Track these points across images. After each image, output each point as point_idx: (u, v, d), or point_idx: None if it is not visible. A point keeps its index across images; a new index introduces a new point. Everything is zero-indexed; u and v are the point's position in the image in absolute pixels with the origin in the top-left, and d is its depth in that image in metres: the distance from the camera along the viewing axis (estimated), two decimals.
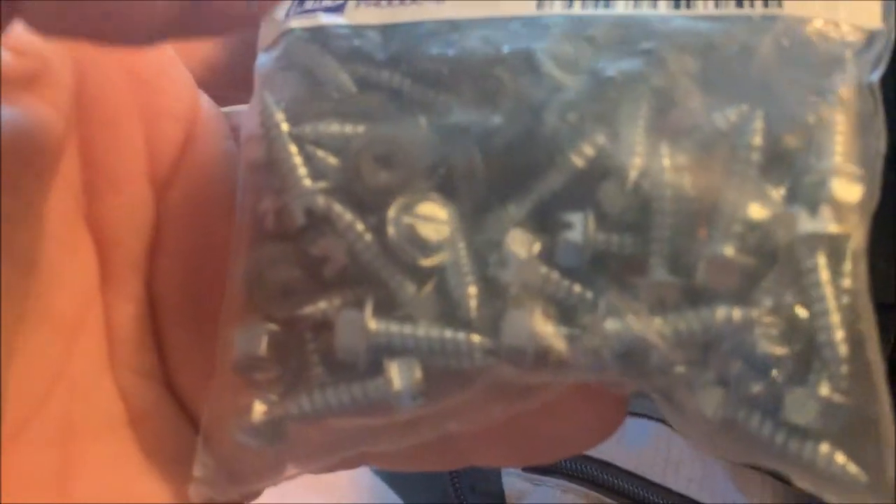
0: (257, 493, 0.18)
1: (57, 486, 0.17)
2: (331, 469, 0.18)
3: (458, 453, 0.18)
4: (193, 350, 0.19)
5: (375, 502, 0.44)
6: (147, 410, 0.18)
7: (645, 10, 0.16)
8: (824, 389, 0.15)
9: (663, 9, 0.16)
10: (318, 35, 0.18)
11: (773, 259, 0.15)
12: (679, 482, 0.43)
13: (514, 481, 0.44)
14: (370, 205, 0.17)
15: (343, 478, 0.43)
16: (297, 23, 0.18)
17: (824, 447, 0.15)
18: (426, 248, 0.16)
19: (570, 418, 0.17)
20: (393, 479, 0.45)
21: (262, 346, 0.17)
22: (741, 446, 0.16)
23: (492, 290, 0.16)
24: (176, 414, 0.19)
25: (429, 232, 0.16)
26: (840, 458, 0.15)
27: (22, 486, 0.16)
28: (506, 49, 0.16)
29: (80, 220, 0.18)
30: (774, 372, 0.15)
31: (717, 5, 0.16)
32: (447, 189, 0.17)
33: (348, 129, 0.17)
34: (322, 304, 0.17)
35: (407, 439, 0.17)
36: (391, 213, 0.16)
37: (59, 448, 0.17)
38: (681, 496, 0.43)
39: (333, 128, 0.17)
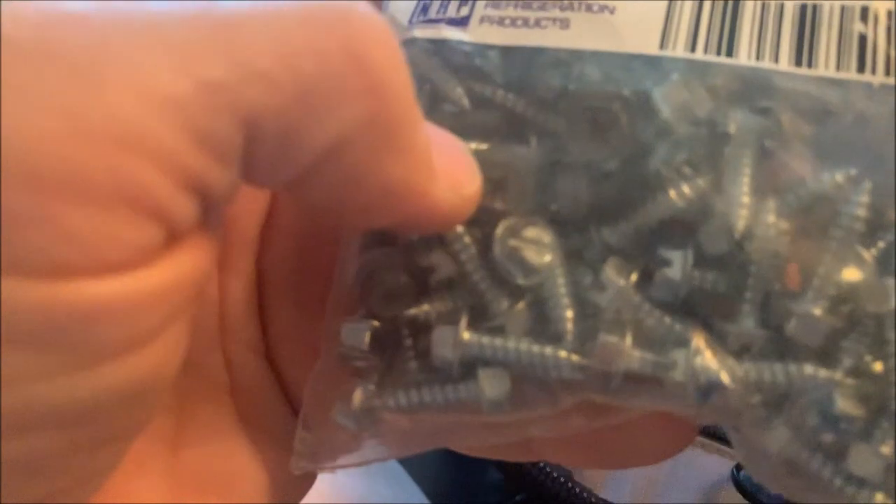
0: (339, 468, 0.19)
1: (170, 452, 0.18)
2: (414, 451, 0.19)
3: (533, 450, 0.19)
4: (294, 326, 0.20)
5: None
6: (248, 381, 0.19)
7: (767, 62, 0.16)
8: (888, 449, 0.15)
9: (785, 63, 0.16)
10: (441, 48, 0.18)
11: (858, 322, 0.15)
12: None
13: None
14: (478, 220, 0.17)
15: None
16: (420, 32, 0.18)
17: (879, 497, 0.16)
18: (528, 270, 0.17)
19: (643, 435, 0.18)
20: None
21: (366, 340, 0.18)
22: (799, 483, 0.16)
23: (585, 312, 0.17)
24: (273, 386, 0.20)
25: (532, 256, 0.17)
26: None
27: (140, 450, 0.17)
28: (625, 88, 0.16)
29: None
30: (843, 425, 0.15)
31: (838, 67, 0.16)
32: (551, 214, 0.17)
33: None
34: (424, 308, 0.17)
35: (491, 438, 0.18)
36: (498, 232, 0.17)
37: (174, 415, 0.18)
38: None
39: None
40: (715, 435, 0.37)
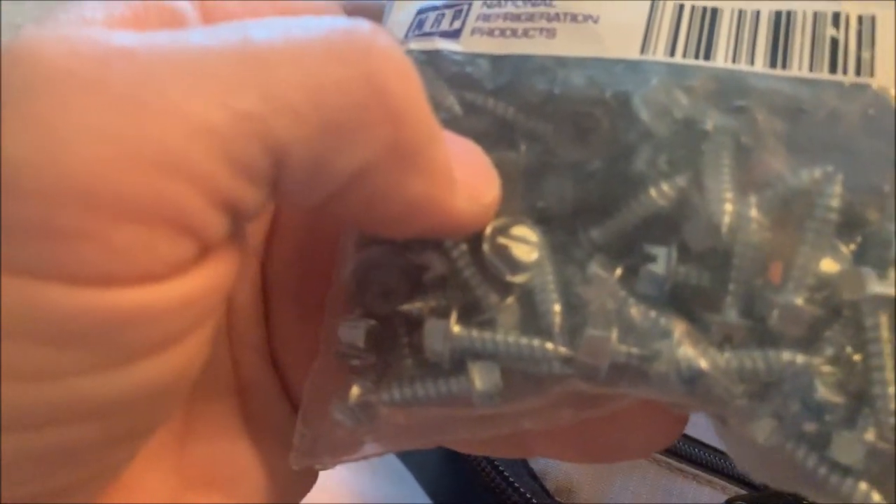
0: (337, 464, 0.19)
1: (177, 446, 0.18)
2: (409, 448, 0.19)
3: (525, 445, 0.19)
4: (297, 329, 0.20)
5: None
6: (252, 380, 0.19)
7: (743, 64, 0.16)
8: (871, 435, 0.15)
9: (760, 65, 0.16)
10: (434, 58, 0.18)
11: (838, 312, 0.15)
12: None
13: None
14: None
15: None
16: (415, 45, 0.18)
17: (863, 485, 0.15)
18: (517, 267, 0.17)
19: (632, 427, 0.17)
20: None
21: (362, 338, 0.18)
22: (784, 473, 0.16)
23: (572, 306, 0.17)
24: (276, 387, 0.20)
25: (521, 253, 0.17)
26: (876, 496, 0.15)
27: (152, 444, 0.17)
28: (607, 91, 0.16)
29: None
30: (826, 413, 0.15)
31: (811, 68, 0.16)
32: (539, 213, 0.17)
33: None
34: (418, 305, 0.17)
35: (483, 431, 0.17)
36: (487, 231, 0.17)
37: (183, 411, 0.18)
38: None
39: None
40: (708, 467, 0.37)
